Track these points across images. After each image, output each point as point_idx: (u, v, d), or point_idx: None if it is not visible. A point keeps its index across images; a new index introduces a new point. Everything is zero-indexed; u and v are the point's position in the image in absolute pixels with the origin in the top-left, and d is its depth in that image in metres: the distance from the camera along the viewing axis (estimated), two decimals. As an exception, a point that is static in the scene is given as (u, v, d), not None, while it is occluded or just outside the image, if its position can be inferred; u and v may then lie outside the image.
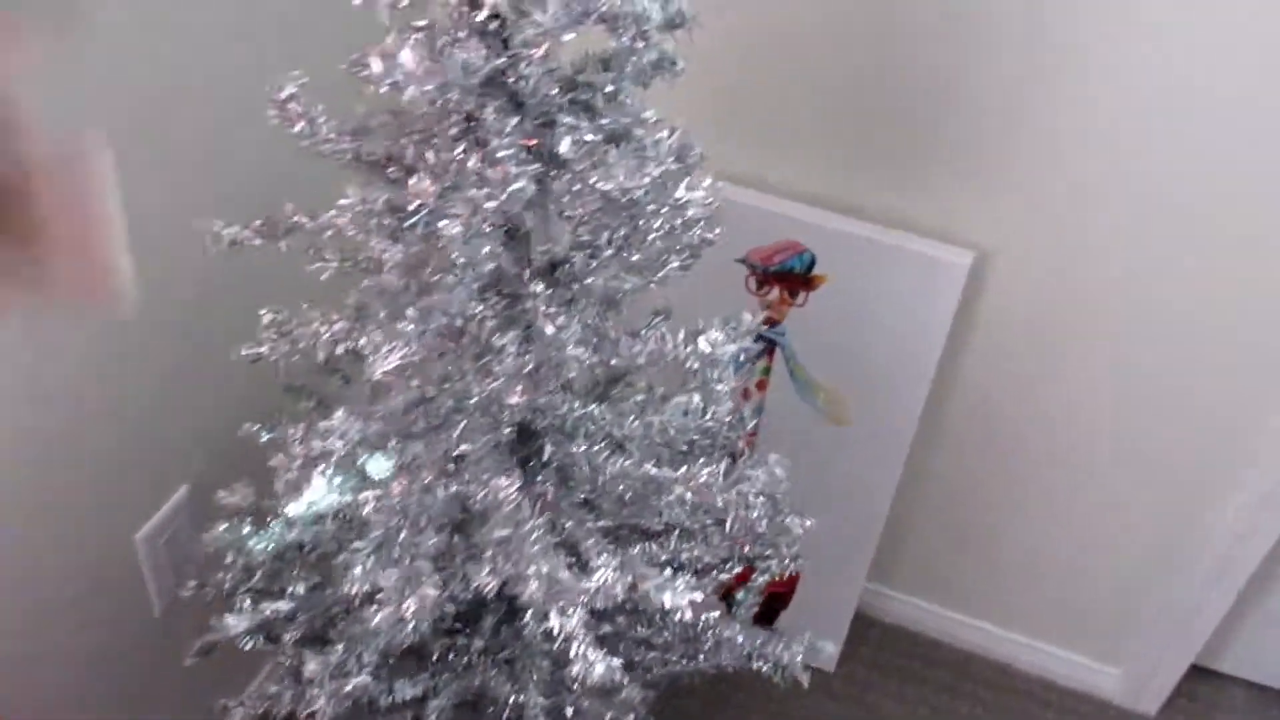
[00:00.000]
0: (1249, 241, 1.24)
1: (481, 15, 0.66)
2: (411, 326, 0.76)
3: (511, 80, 0.71)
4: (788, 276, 1.41)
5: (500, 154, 0.70)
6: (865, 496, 1.57)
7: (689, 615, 0.92)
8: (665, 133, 0.77)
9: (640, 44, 0.76)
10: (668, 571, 0.94)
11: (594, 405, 0.98)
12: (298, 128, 0.74)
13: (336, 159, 0.78)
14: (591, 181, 0.72)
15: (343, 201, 0.77)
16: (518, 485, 0.85)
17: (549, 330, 0.80)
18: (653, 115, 0.78)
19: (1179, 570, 1.54)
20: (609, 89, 0.77)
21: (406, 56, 0.63)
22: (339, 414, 0.80)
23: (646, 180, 0.70)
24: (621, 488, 0.96)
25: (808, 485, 1.63)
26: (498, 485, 0.84)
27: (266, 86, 0.74)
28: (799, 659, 1.06)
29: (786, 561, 1.08)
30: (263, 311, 0.87)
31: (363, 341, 0.77)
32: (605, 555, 0.91)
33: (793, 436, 1.51)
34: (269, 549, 1.02)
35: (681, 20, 0.77)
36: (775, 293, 1.44)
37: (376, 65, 0.64)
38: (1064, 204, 1.30)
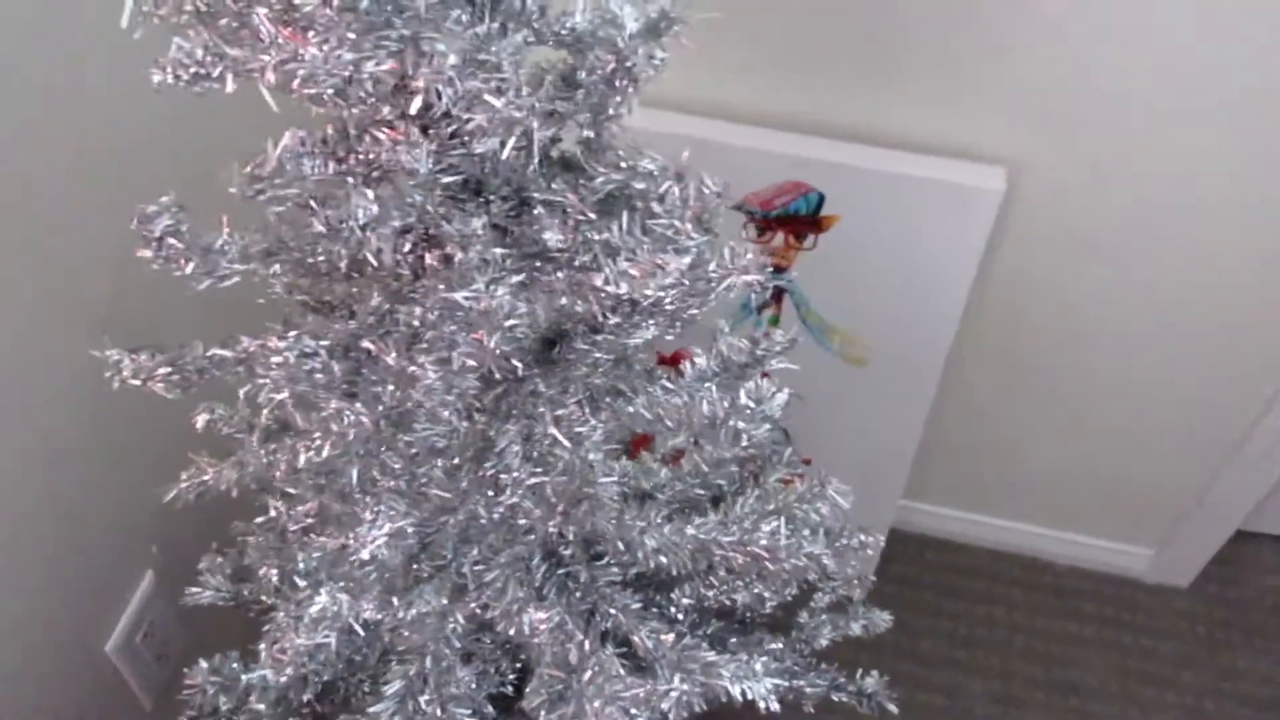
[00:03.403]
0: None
1: (414, 107, 0.46)
2: (399, 484, 0.60)
3: (459, 160, 0.52)
4: (793, 220, 1.24)
5: (476, 275, 0.51)
6: (894, 427, 1.45)
7: (774, 706, 0.81)
8: (670, 183, 0.58)
9: (612, 63, 0.56)
10: (740, 657, 0.82)
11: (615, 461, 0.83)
12: (188, 269, 0.55)
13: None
14: (596, 284, 0.54)
15: (273, 346, 0.58)
16: (557, 620, 0.70)
17: (565, 444, 0.64)
18: (650, 159, 0.59)
19: (1219, 458, 1.46)
20: (586, 133, 0.58)
21: (366, 199, 0.44)
22: (323, 596, 0.64)
23: (671, 280, 0.53)
24: (664, 559, 0.82)
25: (832, 422, 1.55)
26: (535, 621, 0.70)
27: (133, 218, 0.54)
28: (882, 688, 0.95)
29: (854, 582, 0.96)
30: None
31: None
32: (664, 652, 0.78)
33: (809, 378, 1.37)
34: (267, 686, 0.88)
35: (667, 24, 0.57)
36: (780, 238, 1.26)
37: (324, 219, 0.45)
38: (1099, 103, 1.13)
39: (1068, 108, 1.14)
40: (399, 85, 0.48)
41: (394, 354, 0.53)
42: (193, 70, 0.48)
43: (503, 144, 0.47)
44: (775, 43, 1.17)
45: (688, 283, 0.55)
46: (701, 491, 0.91)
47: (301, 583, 0.78)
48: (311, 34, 0.40)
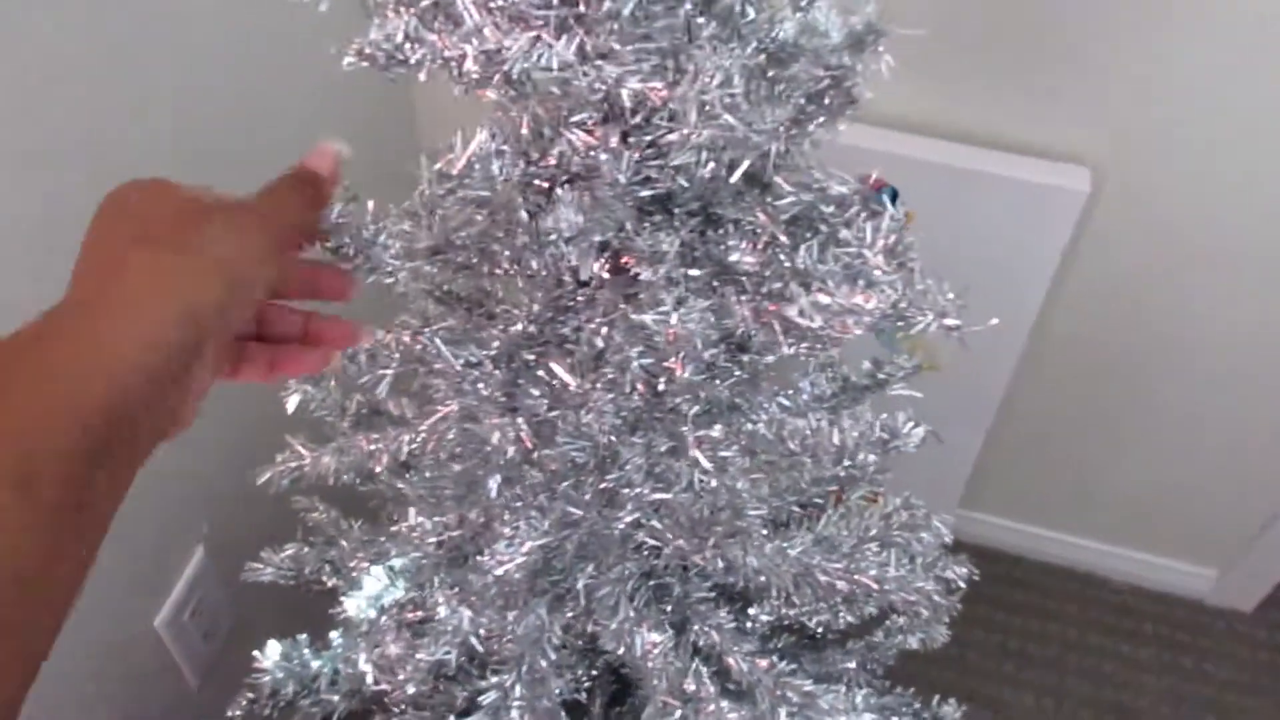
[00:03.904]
0: None
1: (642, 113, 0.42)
2: (540, 500, 0.56)
3: (656, 177, 0.48)
4: (867, 216, 1.20)
5: (664, 295, 0.48)
6: (957, 434, 1.42)
7: (876, 742, 0.78)
8: (857, 207, 0.54)
9: (822, 78, 0.51)
10: (838, 688, 0.80)
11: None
12: (355, 261, 0.51)
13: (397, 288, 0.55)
14: (788, 315, 0.50)
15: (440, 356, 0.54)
16: (673, 642, 0.67)
17: (707, 466, 0.60)
18: (841, 180, 0.55)
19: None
20: (778, 146, 0.54)
21: (568, 211, 0.41)
22: (441, 609, 0.61)
23: (869, 320, 0.49)
24: (764, 580, 0.78)
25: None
26: (648, 643, 0.67)
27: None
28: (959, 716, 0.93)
29: (943, 613, 0.93)
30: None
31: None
32: (759, 677, 0.75)
33: (876, 381, 1.34)
34: (333, 672, 0.85)
35: (873, 37, 0.53)
36: (851, 235, 1.22)
37: (531, 229, 0.41)
38: (1190, 105, 1.08)
39: (1156, 109, 1.10)
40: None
41: (578, 378, 0.50)
42: (389, 54, 0.44)
43: (731, 166, 0.43)
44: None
45: (878, 319, 0.51)
46: (798, 509, 0.88)
47: (397, 582, 0.75)
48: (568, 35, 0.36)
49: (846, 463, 0.89)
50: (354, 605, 0.82)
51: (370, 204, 0.56)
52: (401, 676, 0.62)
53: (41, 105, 0.78)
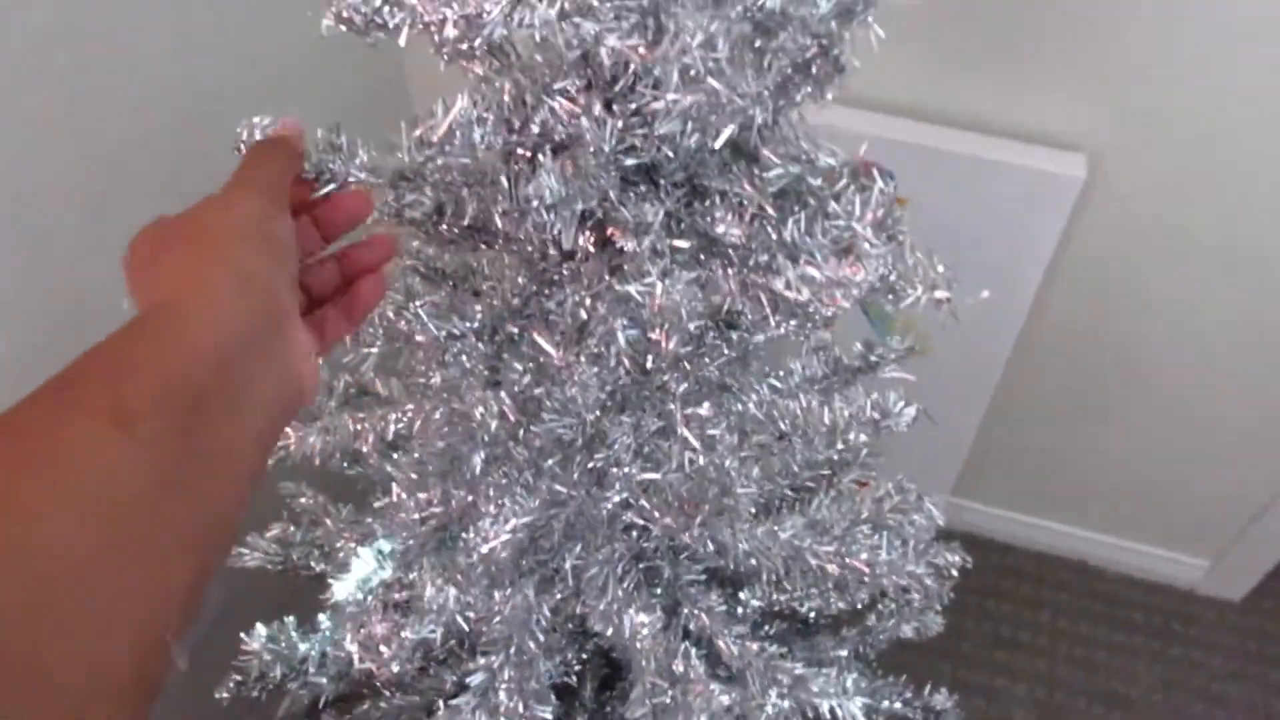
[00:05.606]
0: None
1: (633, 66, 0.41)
2: (525, 477, 0.56)
3: (640, 146, 0.47)
4: (863, 202, 1.19)
5: (649, 267, 0.47)
6: (950, 421, 1.41)
7: (864, 724, 0.78)
8: (845, 180, 0.54)
9: (809, 46, 0.50)
10: (829, 672, 0.79)
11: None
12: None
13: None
14: (776, 288, 0.49)
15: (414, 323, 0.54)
16: (661, 623, 0.66)
17: (696, 445, 0.60)
18: (830, 151, 0.54)
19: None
20: (765, 116, 0.53)
21: (550, 179, 0.40)
22: (429, 591, 0.60)
23: (856, 292, 0.48)
24: (754, 563, 0.78)
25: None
26: (636, 624, 0.66)
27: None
28: (951, 706, 0.93)
29: (936, 600, 0.93)
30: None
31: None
32: (750, 659, 0.75)
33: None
34: (321, 654, 0.85)
35: (862, 6, 0.52)
36: (848, 221, 1.22)
37: (511, 196, 0.40)
38: (1188, 91, 1.07)
39: (1153, 95, 1.09)
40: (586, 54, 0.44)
41: (561, 350, 0.49)
42: (367, 18, 0.43)
43: (712, 132, 0.42)
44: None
45: (866, 292, 0.51)
46: (790, 493, 0.88)
47: (385, 564, 0.75)
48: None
49: (839, 446, 0.89)
50: (342, 589, 0.81)
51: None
52: (386, 654, 0.61)
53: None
